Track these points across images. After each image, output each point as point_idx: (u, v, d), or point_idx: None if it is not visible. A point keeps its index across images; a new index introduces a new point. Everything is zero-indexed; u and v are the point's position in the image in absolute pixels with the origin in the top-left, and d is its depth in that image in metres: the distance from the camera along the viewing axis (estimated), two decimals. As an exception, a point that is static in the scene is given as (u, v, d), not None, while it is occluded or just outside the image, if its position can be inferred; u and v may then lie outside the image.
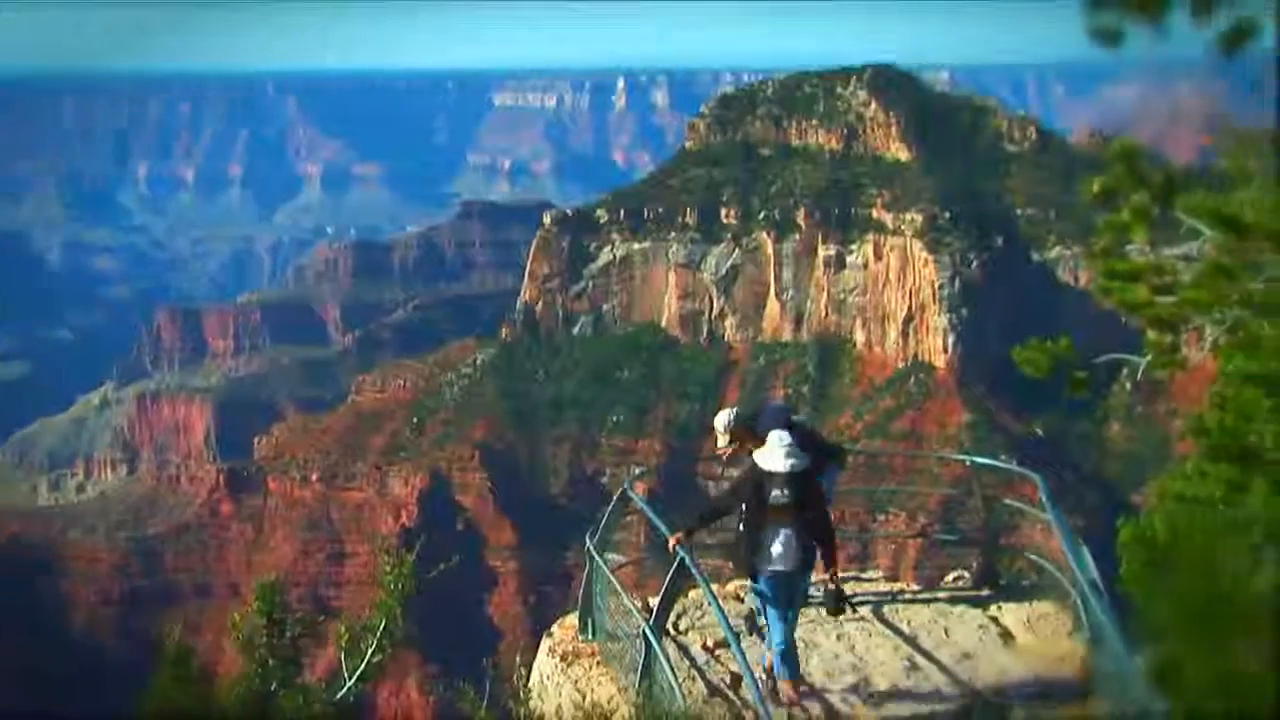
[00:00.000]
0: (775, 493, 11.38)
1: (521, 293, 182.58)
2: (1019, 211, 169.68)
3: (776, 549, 11.37)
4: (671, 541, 11.53)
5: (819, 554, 11.62)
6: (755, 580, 11.52)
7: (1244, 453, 7.80)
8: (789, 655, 11.31)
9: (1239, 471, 7.85)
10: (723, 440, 12.83)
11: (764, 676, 11.16)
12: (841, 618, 12.80)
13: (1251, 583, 7.25)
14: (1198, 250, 5.86)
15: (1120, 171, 5.71)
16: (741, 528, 11.59)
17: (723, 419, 12.85)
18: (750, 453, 12.71)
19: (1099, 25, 4.27)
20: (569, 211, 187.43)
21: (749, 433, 12.68)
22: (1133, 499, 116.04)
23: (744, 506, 11.58)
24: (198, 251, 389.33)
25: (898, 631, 12.53)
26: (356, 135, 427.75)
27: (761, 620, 11.80)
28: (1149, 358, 6.11)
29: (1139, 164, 5.69)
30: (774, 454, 11.54)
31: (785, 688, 11.18)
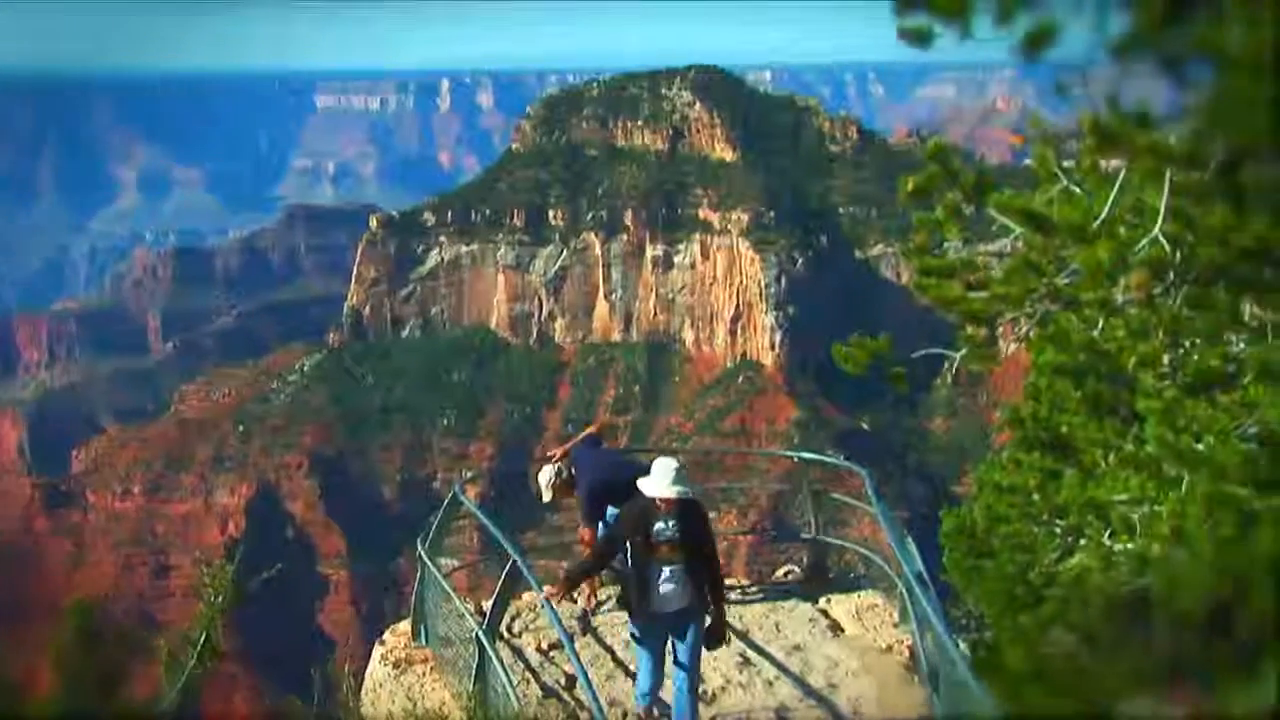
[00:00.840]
0: (660, 526, 10.19)
1: (348, 297, 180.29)
2: (841, 210, 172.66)
3: (665, 588, 10.20)
4: (549, 593, 10.55)
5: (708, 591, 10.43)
6: (634, 619, 10.48)
7: (1056, 442, 8.04)
8: (653, 693, 10.56)
9: (1052, 460, 8.09)
10: (546, 495, 13.12)
11: None
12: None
13: (1064, 569, 7.49)
14: (1010, 247, 6.02)
15: (934, 170, 5.85)
16: (629, 566, 10.38)
17: (546, 476, 13.03)
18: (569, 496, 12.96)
19: (908, 27, 4.36)
20: (395, 214, 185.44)
21: (570, 486, 12.87)
22: (955, 490, 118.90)
23: (629, 543, 10.31)
24: (7, 259, 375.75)
25: (729, 627, 12.64)
26: (175, 138, 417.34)
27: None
28: (963, 352, 6.26)
29: (951, 163, 5.83)
30: (660, 481, 10.30)
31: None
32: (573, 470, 12.89)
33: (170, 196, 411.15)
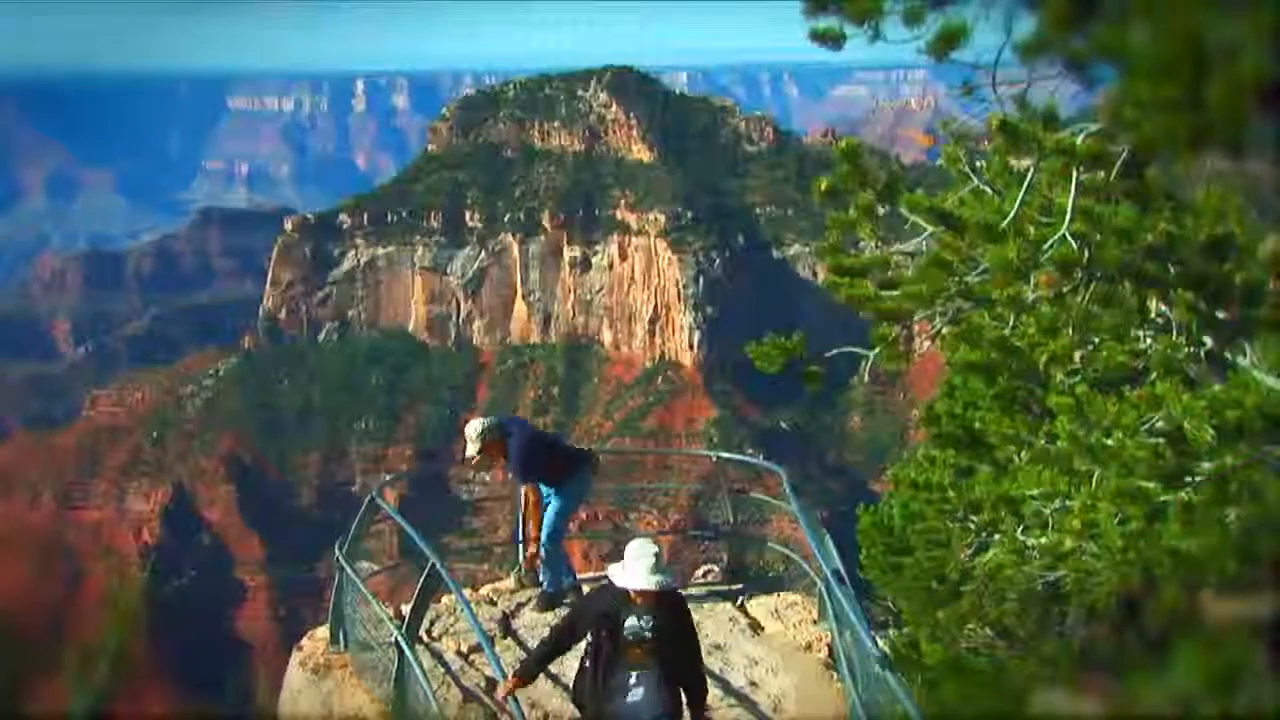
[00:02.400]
0: (633, 621, 8.43)
1: (263, 300, 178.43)
2: (758, 210, 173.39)
3: (634, 696, 8.37)
4: (501, 691, 9.35)
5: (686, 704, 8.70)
6: None
7: (970, 438, 8.14)
8: None
9: (966, 456, 8.19)
10: (472, 448, 12.23)
11: None
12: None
13: (979, 564, 7.58)
14: (924, 246, 6.08)
15: (846, 170, 5.90)
16: (586, 663, 8.66)
17: (475, 427, 12.33)
18: (497, 458, 12.28)
19: (819, 29, 4.40)
20: (310, 217, 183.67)
21: (501, 444, 12.25)
22: (872, 488, 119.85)
23: (590, 635, 8.60)
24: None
25: None
26: (84, 140, 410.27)
27: None
28: (877, 351, 6.32)
29: (864, 163, 5.89)
30: (634, 569, 8.47)
31: None
32: (503, 431, 12.51)
33: (78, 199, 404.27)
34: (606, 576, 8.75)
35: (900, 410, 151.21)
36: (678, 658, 8.63)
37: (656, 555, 8.51)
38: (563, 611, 11.96)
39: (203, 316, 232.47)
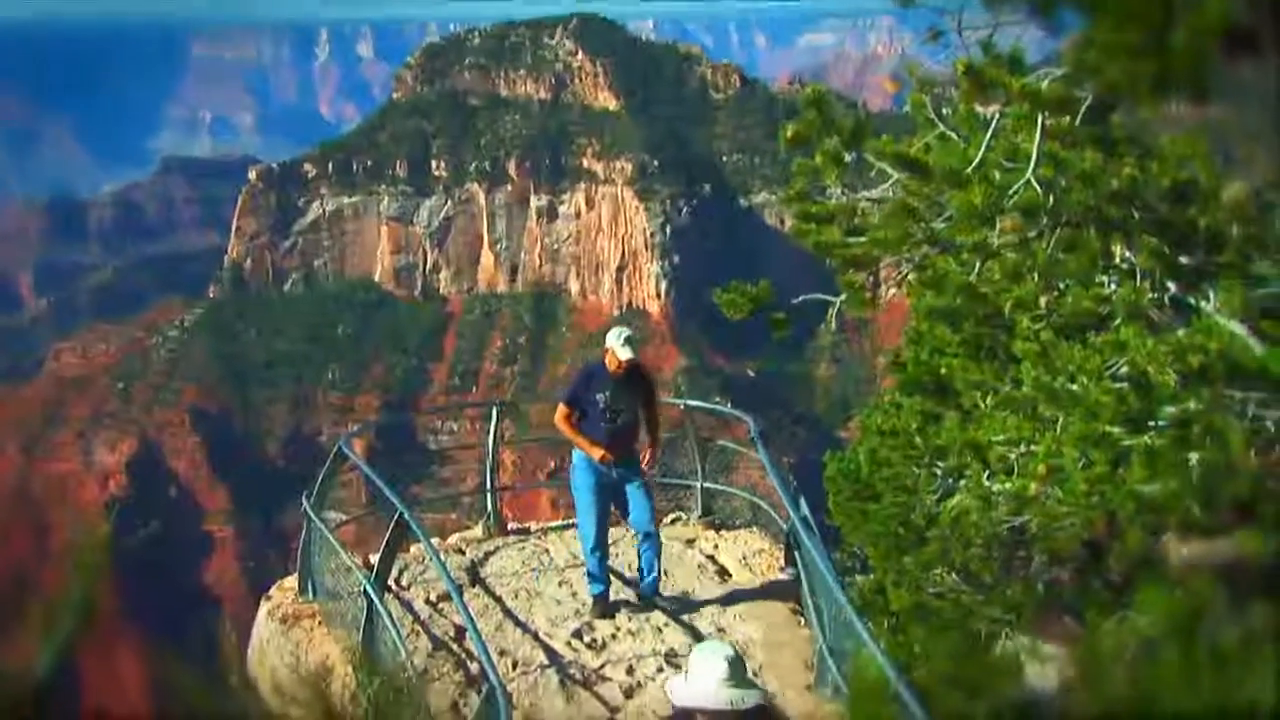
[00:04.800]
0: None
1: (228, 250, 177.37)
2: (725, 158, 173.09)
3: None
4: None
5: None
6: None
7: (936, 385, 8.17)
8: None
9: (932, 403, 8.22)
10: (626, 353, 11.05)
11: None
12: (565, 566, 12.93)
13: (945, 509, 7.63)
14: (890, 192, 6.08)
15: (811, 117, 5.89)
16: None
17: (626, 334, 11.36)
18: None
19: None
20: (275, 166, 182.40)
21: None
22: (840, 435, 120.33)
23: None
24: None
25: (619, 576, 12.71)
26: (44, 90, 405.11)
27: None
28: (843, 297, 6.32)
29: (829, 109, 5.87)
30: (704, 682, 5.69)
31: None
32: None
33: (39, 149, 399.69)
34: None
35: (867, 358, 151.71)
36: None
37: (731, 662, 5.73)
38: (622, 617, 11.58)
39: (167, 267, 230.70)
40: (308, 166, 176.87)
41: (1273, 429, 5.66)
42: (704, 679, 5.75)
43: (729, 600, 12.10)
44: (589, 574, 11.65)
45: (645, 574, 11.61)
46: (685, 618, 11.48)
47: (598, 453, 10.93)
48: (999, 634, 8.36)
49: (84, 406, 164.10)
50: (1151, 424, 5.58)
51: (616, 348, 10.92)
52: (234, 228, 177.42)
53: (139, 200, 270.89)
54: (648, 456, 11.54)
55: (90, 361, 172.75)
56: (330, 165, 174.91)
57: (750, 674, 6.11)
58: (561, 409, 11.17)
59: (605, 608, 11.65)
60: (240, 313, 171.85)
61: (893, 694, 7.32)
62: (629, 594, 12.05)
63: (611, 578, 11.77)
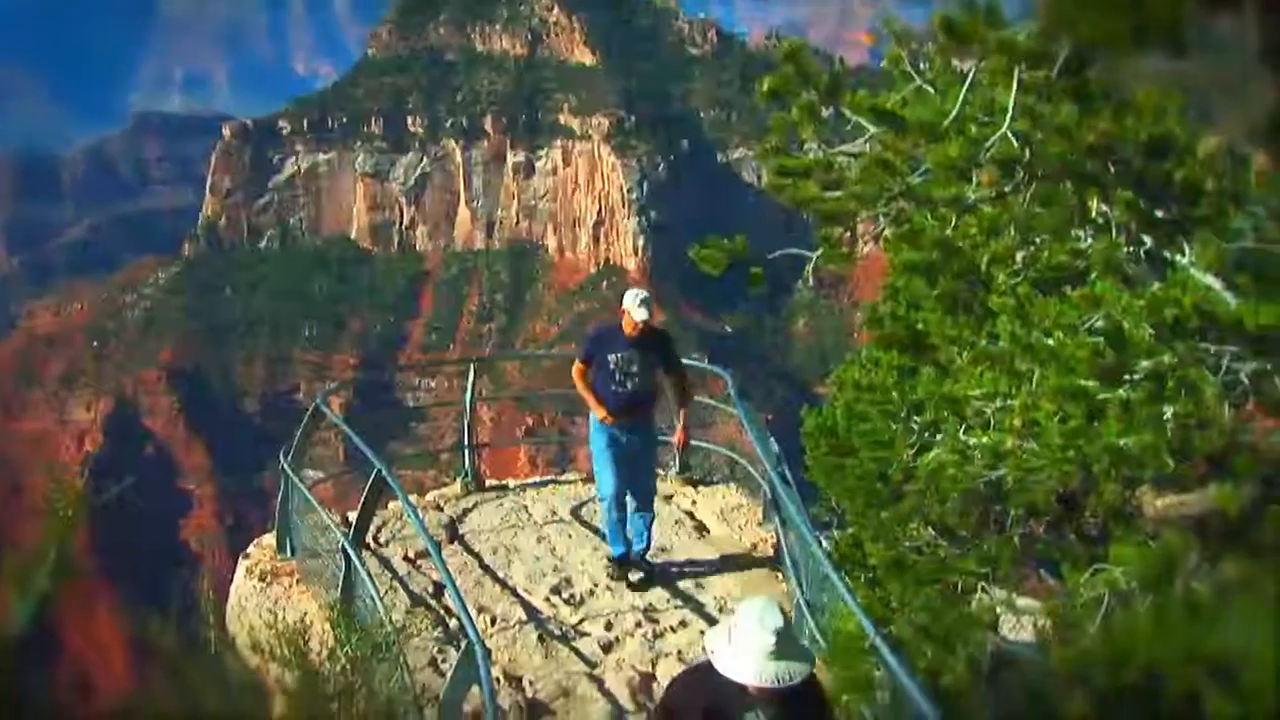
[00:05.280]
0: None
1: (203, 208, 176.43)
2: (702, 114, 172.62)
3: None
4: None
5: None
6: None
7: (913, 340, 8.18)
8: None
9: (909, 358, 8.23)
10: (641, 313, 10.66)
11: None
12: (543, 522, 12.96)
13: (922, 464, 7.65)
14: (867, 147, 6.06)
15: (788, 71, 5.86)
16: None
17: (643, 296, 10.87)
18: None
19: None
20: (249, 123, 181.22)
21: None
22: (817, 390, 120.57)
23: None
24: None
25: (597, 532, 12.74)
26: (13, 45, 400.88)
27: None
28: (820, 252, 6.32)
29: (806, 64, 5.84)
30: (751, 650, 5.23)
31: None
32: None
33: (10, 105, 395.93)
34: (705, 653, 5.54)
35: (844, 313, 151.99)
36: None
37: (779, 632, 5.23)
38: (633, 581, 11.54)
39: (141, 225, 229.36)
40: (282, 123, 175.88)
41: (1247, 382, 5.69)
42: (752, 649, 5.25)
43: (707, 555, 12.15)
44: (608, 533, 11.53)
45: (636, 540, 11.47)
46: (663, 573, 11.53)
47: (601, 412, 10.86)
48: (975, 587, 8.40)
49: (59, 365, 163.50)
50: (1127, 378, 5.60)
51: (632, 309, 10.62)
52: (208, 185, 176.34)
53: (112, 157, 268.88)
54: (680, 439, 11.61)
55: (65, 320, 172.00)
56: (305, 122, 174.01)
57: (797, 637, 5.58)
58: (577, 365, 11.05)
59: (622, 570, 11.55)
60: (216, 270, 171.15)
61: (870, 646, 7.37)
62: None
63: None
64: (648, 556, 11.63)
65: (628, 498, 11.26)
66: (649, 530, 11.47)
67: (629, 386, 10.79)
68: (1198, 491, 6.15)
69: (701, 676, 5.49)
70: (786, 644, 5.25)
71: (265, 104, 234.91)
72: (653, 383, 11.00)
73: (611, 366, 10.78)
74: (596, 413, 10.90)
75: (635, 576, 11.50)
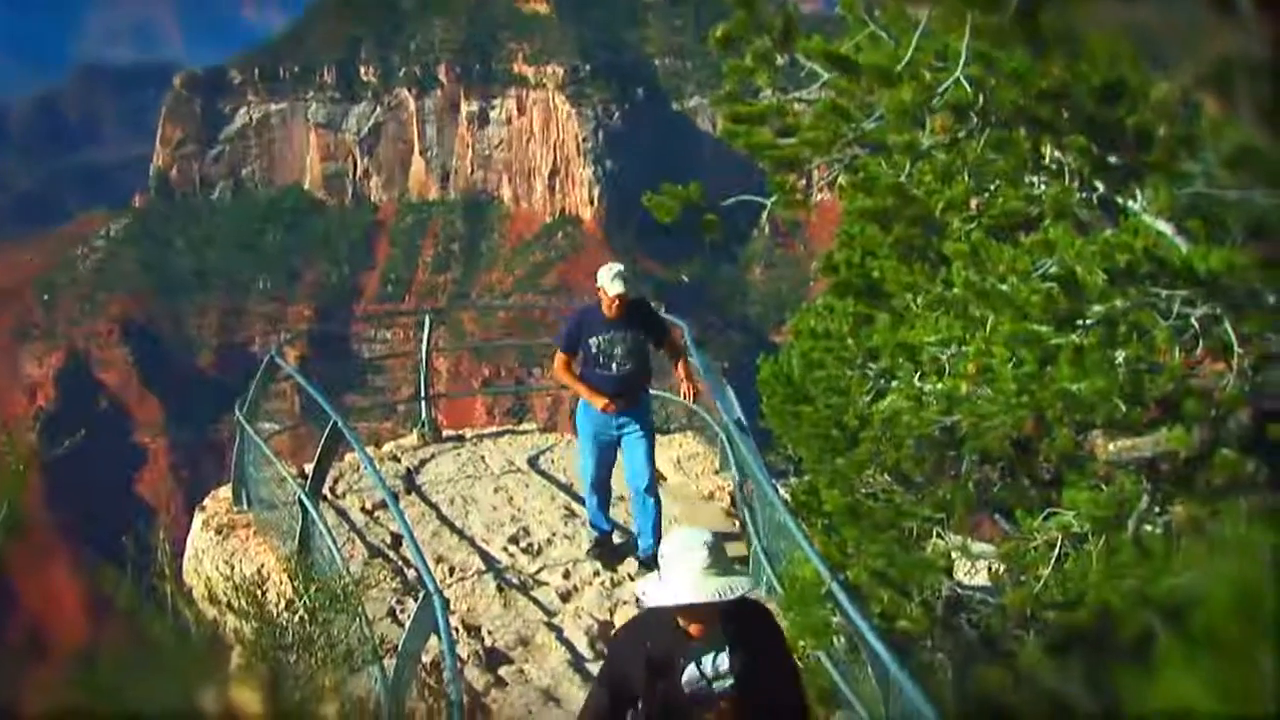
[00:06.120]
0: (697, 669, 4.84)
1: (154, 159, 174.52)
2: (657, 62, 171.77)
3: None
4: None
5: None
6: None
7: (868, 287, 8.21)
8: None
9: (865, 305, 8.26)
10: (617, 287, 9.94)
11: None
12: (500, 472, 12.96)
13: (877, 411, 7.70)
14: (822, 93, 6.05)
15: (741, 17, 5.84)
16: None
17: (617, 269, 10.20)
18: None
19: None
20: (199, 72, 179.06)
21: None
22: (774, 339, 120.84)
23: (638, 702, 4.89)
24: None
25: (554, 481, 12.77)
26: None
27: None
28: (774, 199, 6.32)
29: (759, 9, 5.82)
30: (680, 577, 4.70)
31: None
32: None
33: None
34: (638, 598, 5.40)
35: (800, 261, 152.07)
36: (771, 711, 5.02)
37: (710, 547, 4.72)
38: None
39: (91, 176, 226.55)
40: (233, 73, 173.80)
41: (1197, 326, 5.74)
42: (682, 572, 4.72)
43: (664, 504, 12.20)
44: (589, 515, 10.95)
45: (641, 536, 10.64)
46: (620, 522, 11.56)
47: (600, 402, 10.03)
48: (930, 532, 8.48)
49: (8, 319, 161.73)
50: (1079, 323, 5.64)
51: (606, 284, 9.83)
52: (159, 136, 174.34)
53: (60, 108, 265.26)
54: (691, 394, 10.76)
55: (14, 272, 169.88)
56: (256, 71, 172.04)
57: (730, 560, 5.03)
58: (560, 357, 10.25)
59: (603, 551, 10.92)
60: (168, 222, 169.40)
61: (827, 592, 7.44)
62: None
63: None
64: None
65: (628, 486, 10.61)
66: (657, 525, 10.45)
67: (617, 370, 10.04)
68: (1149, 435, 6.22)
69: (641, 626, 5.08)
70: (720, 561, 4.75)
71: (216, 53, 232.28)
72: (643, 361, 10.31)
73: (595, 351, 10.02)
74: (594, 403, 10.08)
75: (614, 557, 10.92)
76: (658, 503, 10.52)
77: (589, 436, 10.37)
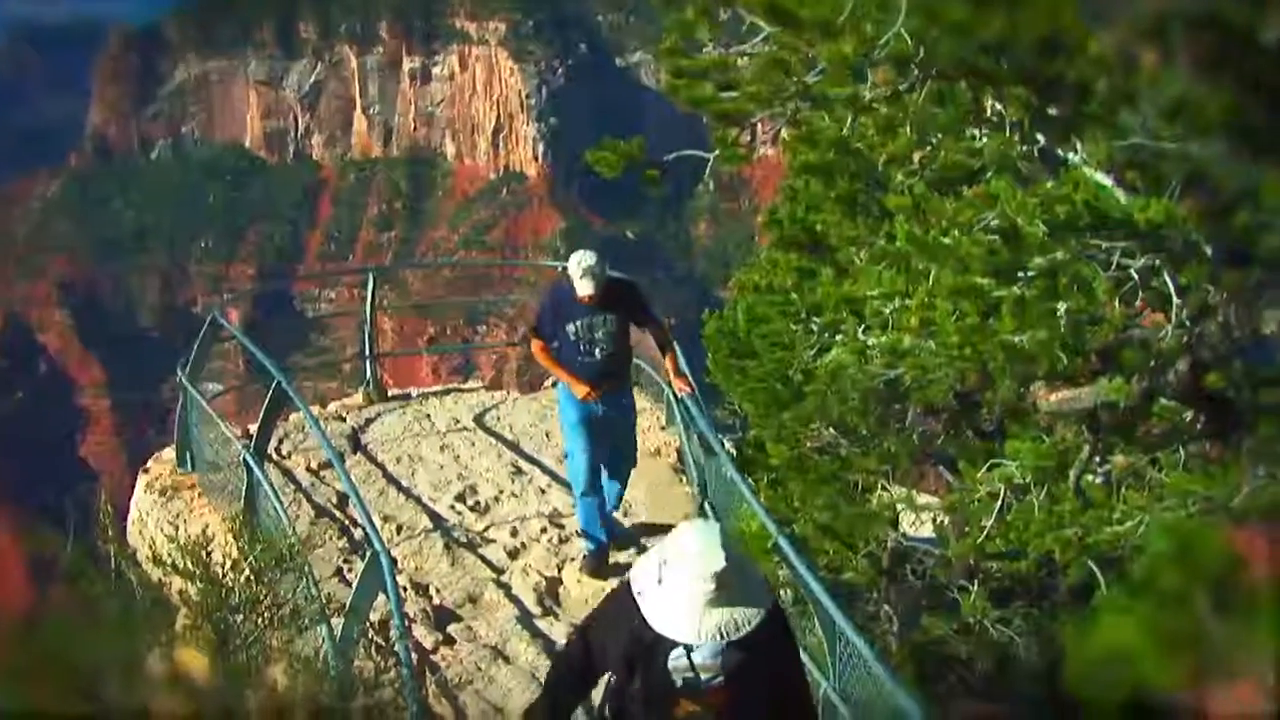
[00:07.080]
0: (685, 656, 4.53)
1: (90, 118, 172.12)
2: (600, 17, 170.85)
3: None
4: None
5: None
6: None
7: (812, 241, 8.22)
8: None
9: (808, 259, 8.28)
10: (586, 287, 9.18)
11: None
12: (446, 430, 12.93)
13: (822, 365, 7.73)
14: (764, 47, 6.04)
15: (683, -30, 5.81)
16: (606, 713, 4.90)
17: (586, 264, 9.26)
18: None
19: None
20: (136, 29, 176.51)
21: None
22: (719, 295, 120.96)
23: (612, 678, 4.81)
24: None
25: (500, 438, 12.75)
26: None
27: None
28: (716, 153, 6.31)
29: (700, -38, 5.80)
30: (680, 607, 4.42)
31: None
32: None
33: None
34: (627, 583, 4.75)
35: (745, 216, 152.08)
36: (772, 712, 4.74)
37: (720, 576, 4.34)
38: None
39: (25, 137, 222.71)
40: (171, 30, 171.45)
41: (1136, 278, 5.79)
42: (682, 600, 4.40)
43: (611, 460, 12.22)
44: (582, 529, 10.18)
45: (607, 501, 10.13)
46: (566, 479, 11.58)
47: (581, 390, 9.33)
48: (875, 485, 8.54)
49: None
50: (1021, 275, 5.68)
51: (575, 283, 9.09)
52: (95, 95, 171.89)
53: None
54: (684, 388, 9.66)
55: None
56: (194, 28, 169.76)
57: (744, 569, 4.62)
58: (536, 341, 9.65)
59: (598, 565, 10.06)
60: (106, 182, 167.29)
61: (773, 546, 7.48)
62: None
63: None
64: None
65: (602, 471, 9.97)
66: (620, 496, 10.28)
67: (597, 355, 9.33)
68: (1089, 386, 6.27)
69: (626, 612, 4.60)
70: (727, 586, 4.36)
71: (151, 10, 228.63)
72: (624, 345, 9.63)
73: (573, 338, 9.32)
74: (576, 391, 9.39)
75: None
76: (627, 479, 10.27)
77: (575, 424, 9.64)
